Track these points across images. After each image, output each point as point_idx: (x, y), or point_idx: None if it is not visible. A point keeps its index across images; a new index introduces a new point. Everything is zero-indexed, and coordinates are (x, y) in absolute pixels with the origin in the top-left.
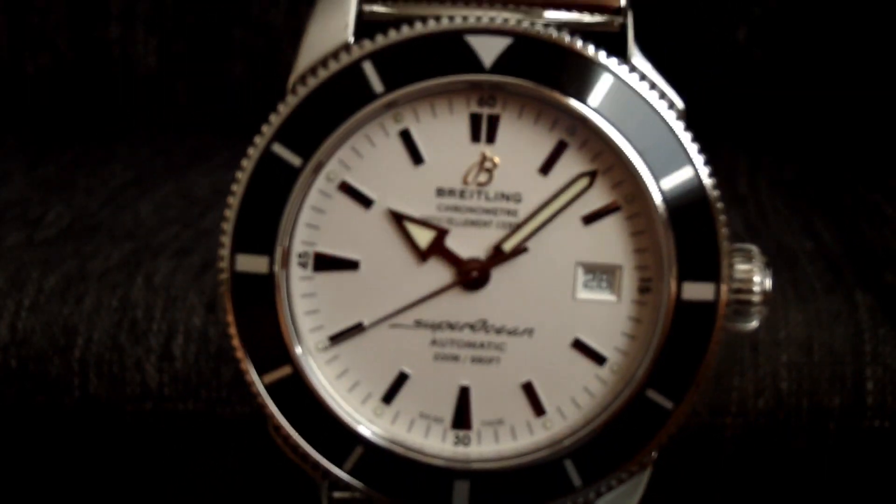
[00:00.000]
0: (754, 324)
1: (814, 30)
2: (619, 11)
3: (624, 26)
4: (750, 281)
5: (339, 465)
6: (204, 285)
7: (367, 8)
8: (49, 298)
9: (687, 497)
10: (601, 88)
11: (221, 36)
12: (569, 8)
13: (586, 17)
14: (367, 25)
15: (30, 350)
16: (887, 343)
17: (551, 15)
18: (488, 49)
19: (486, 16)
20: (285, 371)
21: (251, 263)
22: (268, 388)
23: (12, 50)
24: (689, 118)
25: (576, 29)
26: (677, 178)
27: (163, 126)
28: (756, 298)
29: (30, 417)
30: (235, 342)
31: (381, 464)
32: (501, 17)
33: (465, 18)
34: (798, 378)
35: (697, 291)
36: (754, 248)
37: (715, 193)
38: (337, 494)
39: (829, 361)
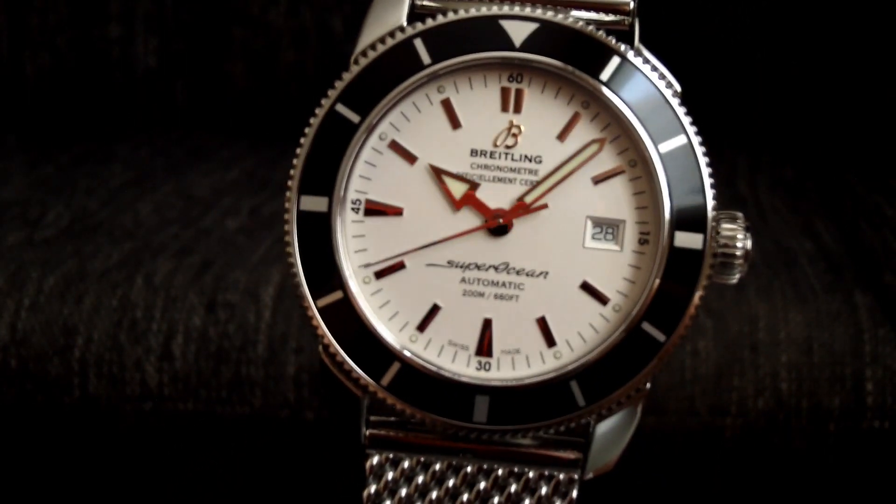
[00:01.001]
0: (737, 277)
1: (816, 30)
2: (629, 13)
3: (632, 25)
4: (734, 237)
5: (378, 381)
6: (204, 285)
7: (420, 2)
8: (49, 298)
9: (687, 497)
10: (611, 69)
11: (221, 36)
12: (587, 9)
13: (602, 17)
14: (418, 16)
15: (30, 350)
16: (887, 343)
17: (573, 14)
18: (518, 31)
19: (518, 6)
20: (337, 296)
21: (313, 203)
22: (320, 310)
23: (12, 50)
24: (690, 119)
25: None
26: (672, 145)
27: (163, 126)
28: (739, 252)
29: (30, 417)
30: (296, 269)
31: (414, 380)
32: (530, 8)
33: (500, 7)
34: (798, 378)
35: (688, 240)
36: (739, 214)
37: (705, 160)
38: (374, 418)
39: (828, 362)
